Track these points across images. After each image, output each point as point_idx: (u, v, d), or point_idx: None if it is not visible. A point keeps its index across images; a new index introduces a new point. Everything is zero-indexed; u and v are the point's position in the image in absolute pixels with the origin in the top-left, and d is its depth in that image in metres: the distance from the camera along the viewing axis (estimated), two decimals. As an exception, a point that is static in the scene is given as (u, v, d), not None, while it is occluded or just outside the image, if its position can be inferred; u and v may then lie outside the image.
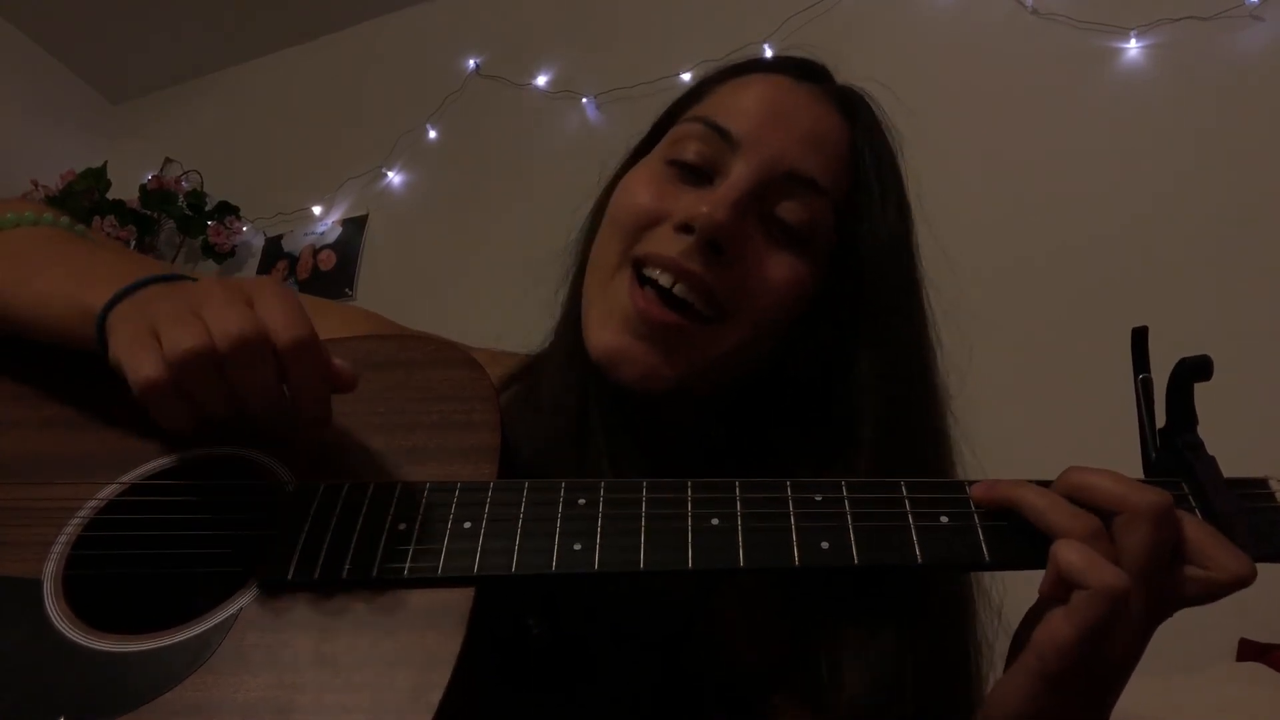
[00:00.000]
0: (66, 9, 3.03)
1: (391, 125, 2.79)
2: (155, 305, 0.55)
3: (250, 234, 2.96)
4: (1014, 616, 0.56)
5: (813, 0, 2.26)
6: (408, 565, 0.52)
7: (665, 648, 0.64)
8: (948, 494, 0.55)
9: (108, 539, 0.57)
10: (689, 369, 0.67)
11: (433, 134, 2.77)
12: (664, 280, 0.66)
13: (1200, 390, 0.55)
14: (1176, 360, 0.56)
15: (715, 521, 0.54)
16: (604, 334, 0.68)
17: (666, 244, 0.67)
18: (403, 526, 0.54)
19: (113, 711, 0.48)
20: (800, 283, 0.69)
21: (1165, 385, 0.56)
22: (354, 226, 2.78)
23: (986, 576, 0.68)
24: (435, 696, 0.46)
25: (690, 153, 0.70)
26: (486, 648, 0.53)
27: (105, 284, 0.59)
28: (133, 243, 2.93)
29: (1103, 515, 0.50)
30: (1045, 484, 0.53)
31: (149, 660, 0.50)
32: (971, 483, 0.55)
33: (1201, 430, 0.55)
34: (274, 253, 2.88)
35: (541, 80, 2.65)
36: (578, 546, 0.53)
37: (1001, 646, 0.60)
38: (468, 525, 0.54)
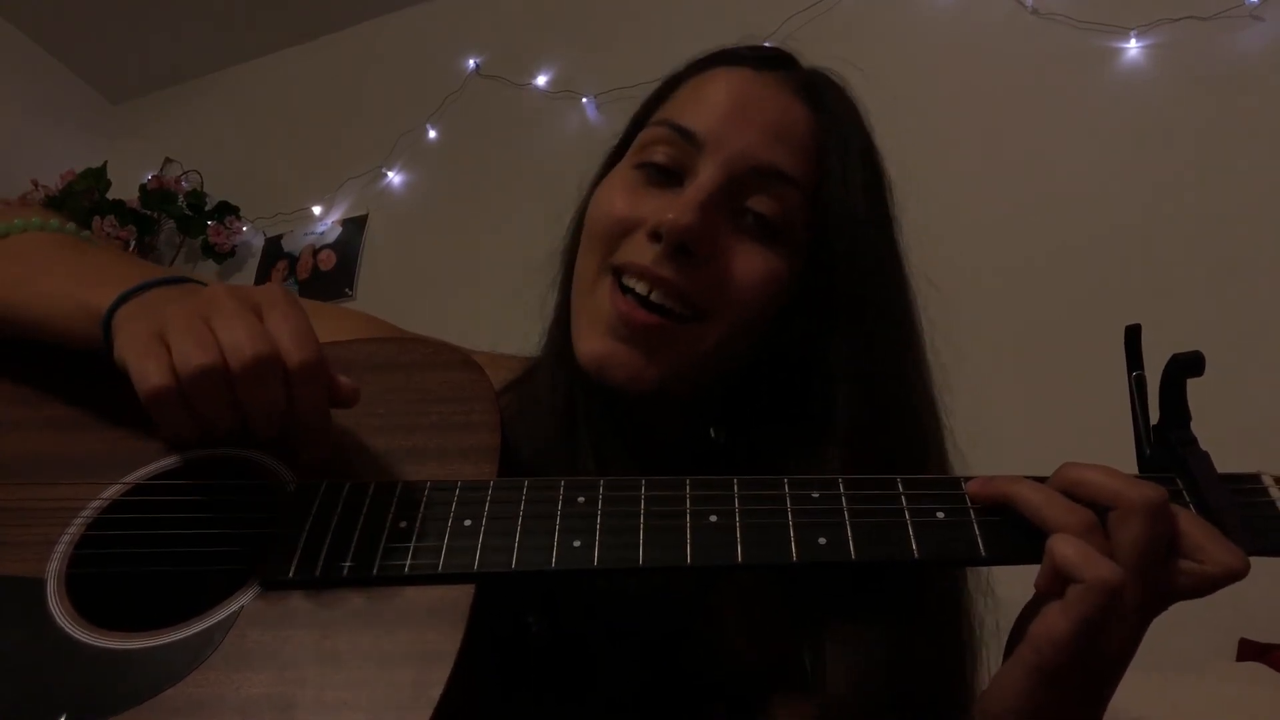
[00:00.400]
0: (66, 9, 3.03)
1: (391, 125, 2.79)
2: (164, 309, 0.55)
3: (250, 234, 2.96)
4: (1010, 612, 0.57)
5: (813, 0, 2.26)
6: (408, 563, 0.53)
7: (664, 645, 0.64)
8: (944, 490, 0.55)
9: (111, 538, 0.57)
10: (672, 369, 0.68)
11: (433, 134, 2.77)
12: (640, 289, 0.67)
13: (1194, 387, 0.56)
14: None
15: (713, 519, 0.54)
16: (590, 342, 0.69)
17: (640, 252, 0.67)
18: (403, 525, 0.54)
19: (115, 708, 0.48)
20: (775, 275, 0.69)
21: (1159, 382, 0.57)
22: (354, 226, 2.78)
23: (981, 572, 0.68)
24: (435, 693, 0.47)
25: (658, 155, 0.71)
26: (486, 645, 0.53)
27: (111, 285, 0.60)
28: (132, 243, 2.93)
29: (1098, 510, 0.51)
30: (1041, 480, 0.54)
31: (151, 658, 0.50)
32: (967, 479, 0.55)
33: (1195, 426, 0.56)
34: (274, 253, 2.88)
35: (541, 80, 2.65)
36: (577, 544, 0.53)
37: (995, 645, 0.60)
38: (468, 523, 0.54)
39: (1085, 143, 1.94)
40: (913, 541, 0.53)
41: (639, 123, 0.78)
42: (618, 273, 0.69)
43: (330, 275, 2.73)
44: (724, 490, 0.56)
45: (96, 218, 2.89)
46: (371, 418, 0.61)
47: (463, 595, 0.51)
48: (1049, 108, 2.00)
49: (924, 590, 0.64)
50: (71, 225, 0.74)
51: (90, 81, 3.33)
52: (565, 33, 2.70)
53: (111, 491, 0.59)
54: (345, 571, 0.52)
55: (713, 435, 0.73)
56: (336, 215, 2.83)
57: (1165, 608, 0.51)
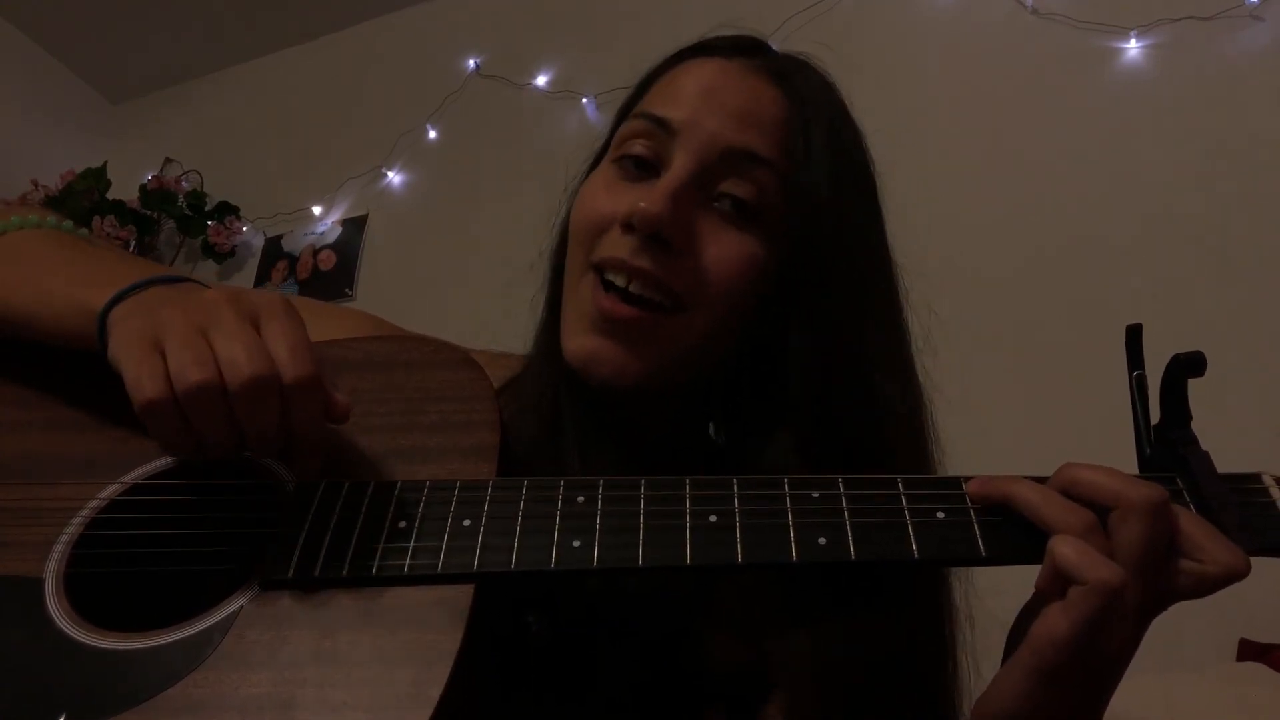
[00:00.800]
0: (66, 9, 3.03)
1: (391, 125, 2.79)
2: (160, 312, 0.55)
3: (250, 234, 2.96)
4: (1009, 613, 0.57)
5: (813, 0, 2.26)
6: (408, 562, 0.53)
7: (664, 645, 0.64)
8: (944, 490, 0.55)
9: (109, 538, 0.57)
10: (657, 363, 0.68)
11: (433, 134, 2.77)
12: (619, 282, 0.67)
13: (1195, 387, 0.56)
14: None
15: (713, 518, 0.54)
16: (576, 339, 0.69)
17: (617, 246, 0.67)
18: (403, 524, 0.54)
19: (114, 709, 0.48)
20: (752, 258, 0.68)
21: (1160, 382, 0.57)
22: (354, 226, 2.78)
23: (977, 572, 0.68)
24: (435, 692, 0.47)
25: (637, 148, 0.71)
26: (486, 644, 0.53)
27: (107, 284, 0.59)
28: (133, 243, 2.93)
29: (1098, 510, 0.51)
30: (1041, 480, 0.54)
31: (150, 658, 0.50)
32: (967, 478, 0.55)
33: (1195, 426, 0.56)
34: (274, 253, 2.88)
35: (541, 80, 2.65)
36: (577, 543, 0.53)
37: (988, 644, 0.60)
38: (467, 523, 0.54)
39: (1085, 143, 1.94)
40: (913, 541, 0.53)
41: (619, 121, 0.78)
42: (599, 269, 0.69)
43: (330, 275, 2.73)
44: (724, 490, 0.56)
45: (96, 218, 2.89)
46: (371, 416, 0.61)
47: (462, 595, 0.51)
48: (1049, 108, 2.00)
49: (918, 589, 0.64)
50: (69, 223, 0.74)
51: (90, 81, 3.34)
52: (565, 33, 2.70)
53: (110, 491, 0.59)
54: (344, 571, 0.52)
55: (711, 434, 0.73)
56: (336, 215, 2.83)
57: (1166, 607, 0.51)
